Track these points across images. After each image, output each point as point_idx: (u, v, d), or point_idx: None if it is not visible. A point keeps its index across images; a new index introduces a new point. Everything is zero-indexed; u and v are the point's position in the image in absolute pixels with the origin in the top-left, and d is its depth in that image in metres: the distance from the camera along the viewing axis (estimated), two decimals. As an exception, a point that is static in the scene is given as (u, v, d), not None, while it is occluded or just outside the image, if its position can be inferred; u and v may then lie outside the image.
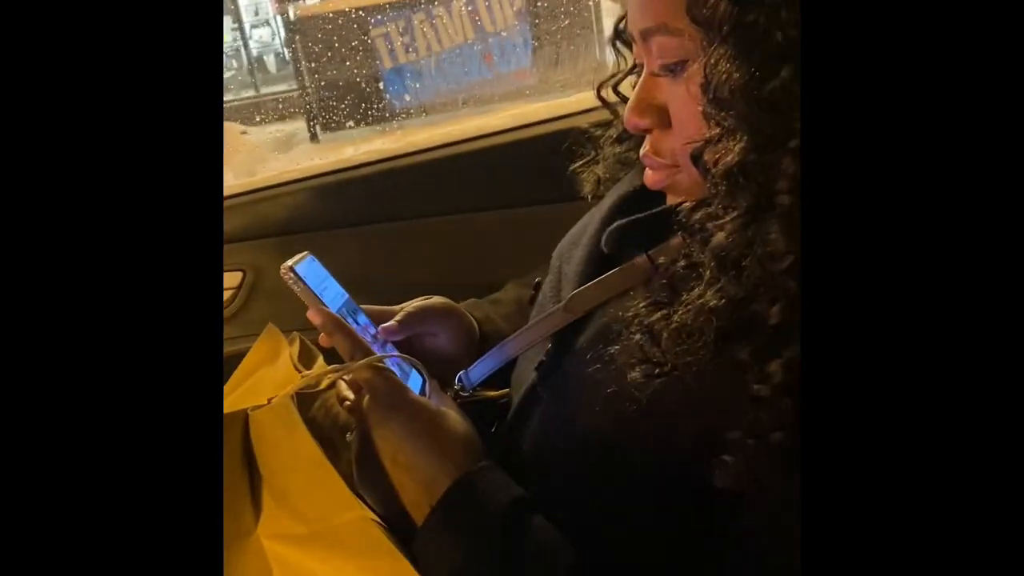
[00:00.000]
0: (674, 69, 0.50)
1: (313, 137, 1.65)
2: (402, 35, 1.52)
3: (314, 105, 1.60)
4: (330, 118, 1.53)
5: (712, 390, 0.46)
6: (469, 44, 1.50)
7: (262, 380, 0.64)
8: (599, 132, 0.73)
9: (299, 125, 1.70)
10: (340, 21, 1.50)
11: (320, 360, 0.67)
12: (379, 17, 1.55)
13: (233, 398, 0.63)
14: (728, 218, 0.43)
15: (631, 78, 0.69)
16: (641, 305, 0.50)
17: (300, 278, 0.60)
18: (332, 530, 0.52)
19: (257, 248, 1.15)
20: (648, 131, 0.55)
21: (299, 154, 1.58)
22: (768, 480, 0.42)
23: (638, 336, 0.49)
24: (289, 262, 0.61)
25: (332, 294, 0.63)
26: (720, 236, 0.44)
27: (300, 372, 0.63)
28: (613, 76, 0.69)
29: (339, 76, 1.51)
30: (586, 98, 1.10)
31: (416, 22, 1.50)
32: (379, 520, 0.53)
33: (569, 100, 1.12)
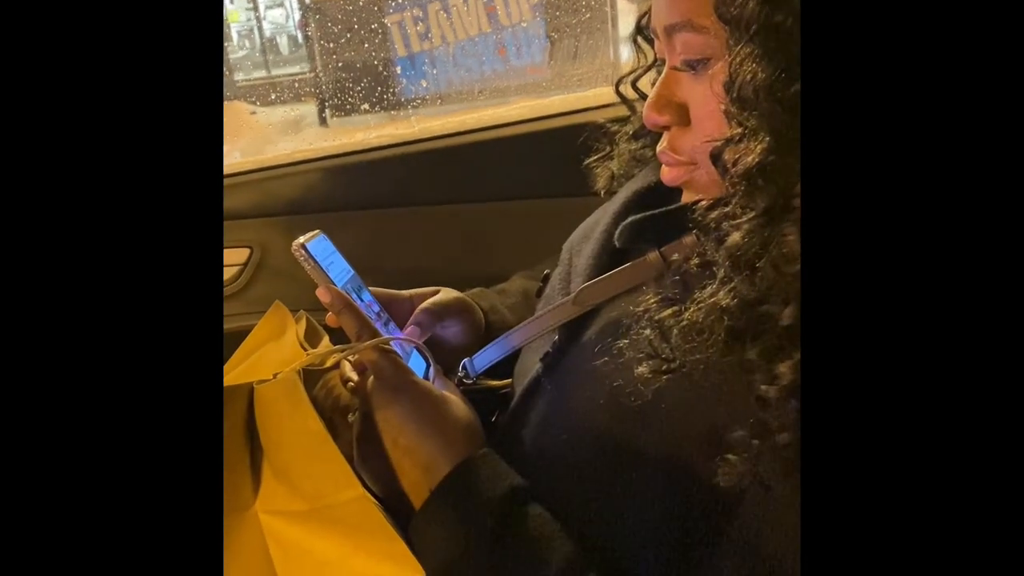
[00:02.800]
0: (696, 67, 0.50)
1: (323, 121, 1.65)
2: (417, 23, 1.52)
3: (325, 89, 1.60)
4: (341, 103, 1.53)
5: (719, 389, 0.46)
6: (484, 36, 1.50)
7: (267, 356, 0.64)
8: (615, 127, 0.73)
9: (309, 108, 1.70)
10: (360, 3, 1.49)
11: (326, 340, 0.67)
12: (396, 3, 1.55)
13: (237, 372, 0.63)
14: (745, 218, 0.43)
15: (649, 75, 0.69)
16: (652, 301, 0.50)
17: (311, 255, 0.60)
18: (331, 508, 0.52)
19: (265, 225, 1.15)
20: (666, 128, 0.55)
21: (308, 137, 1.57)
22: (772, 480, 0.42)
23: (648, 331, 0.49)
24: (301, 239, 0.61)
25: (338, 270, 0.63)
26: (736, 236, 0.44)
27: (306, 350, 0.63)
28: (632, 72, 0.69)
29: (352, 61, 1.51)
30: (600, 93, 1.11)
31: (432, 11, 1.50)
32: (377, 501, 0.54)
33: (584, 94, 1.12)
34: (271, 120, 1.66)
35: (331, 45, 1.49)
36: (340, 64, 1.52)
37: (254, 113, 1.67)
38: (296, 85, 1.75)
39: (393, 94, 1.48)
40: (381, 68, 1.49)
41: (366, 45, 1.46)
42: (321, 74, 1.63)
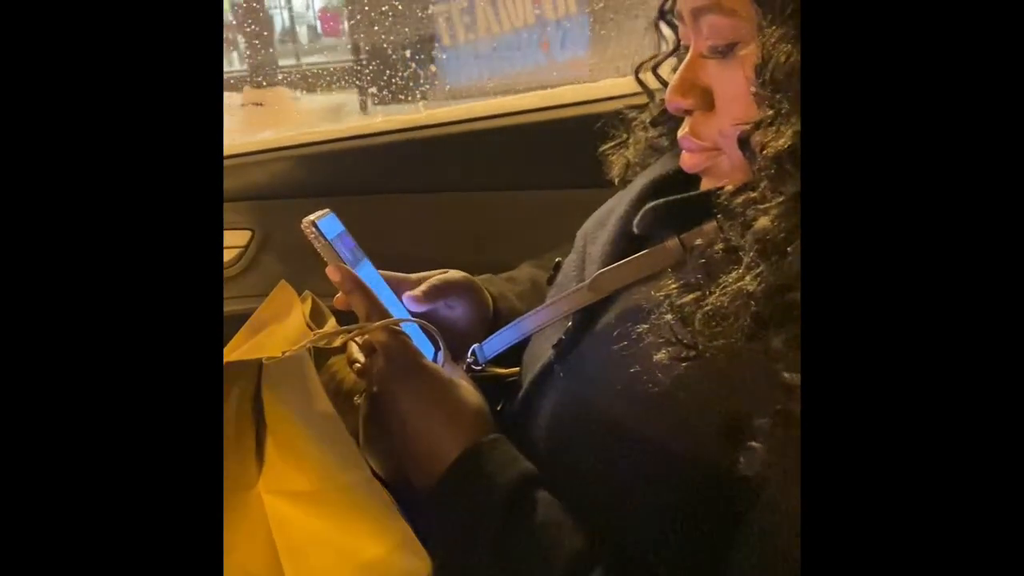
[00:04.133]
0: (723, 51, 0.50)
1: (363, 109, 1.67)
2: (462, 15, 1.52)
3: (367, 78, 1.62)
4: (382, 91, 1.54)
5: (740, 376, 0.45)
6: (528, 29, 1.51)
7: (273, 335, 0.63)
8: (633, 114, 0.72)
9: (350, 97, 1.72)
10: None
11: (332, 320, 0.66)
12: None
13: (242, 351, 0.62)
14: (774, 203, 0.43)
15: (670, 61, 0.68)
16: (673, 286, 0.49)
17: (321, 233, 0.59)
18: (337, 490, 0.51)
19: (267, 208, 1.14)
20: (689, 112, 0.54)
21: (349, 124, 1.59)
22: (794, 469, 0.41)
23: (668, 317, 0.48)
24: (311, 216, 0.60)
25: (345, 247, 0.62)
26: (764, 221, 0.43)
27: (313, 330, 0.62)
28: (653, 58, 0.68)
29: (394, 51, 1.51)
30: (614, 84, 1.10)
31: (478, 3, 1.51)
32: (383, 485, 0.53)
33: (597, 85, 1.11)
34: (312, 107, 1.68)
35: (369, 36, 1.49)
36: (378, 56, 1.52)
37: (297, 99, 1.69)
38: (334, 77, 1.78)
39: (432, 86, 1.48)
40: (418, 61, 1.49)
41: (405, 39, 1.46)
42: (363, 64, 1.64)
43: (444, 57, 1.52)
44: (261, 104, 1.70)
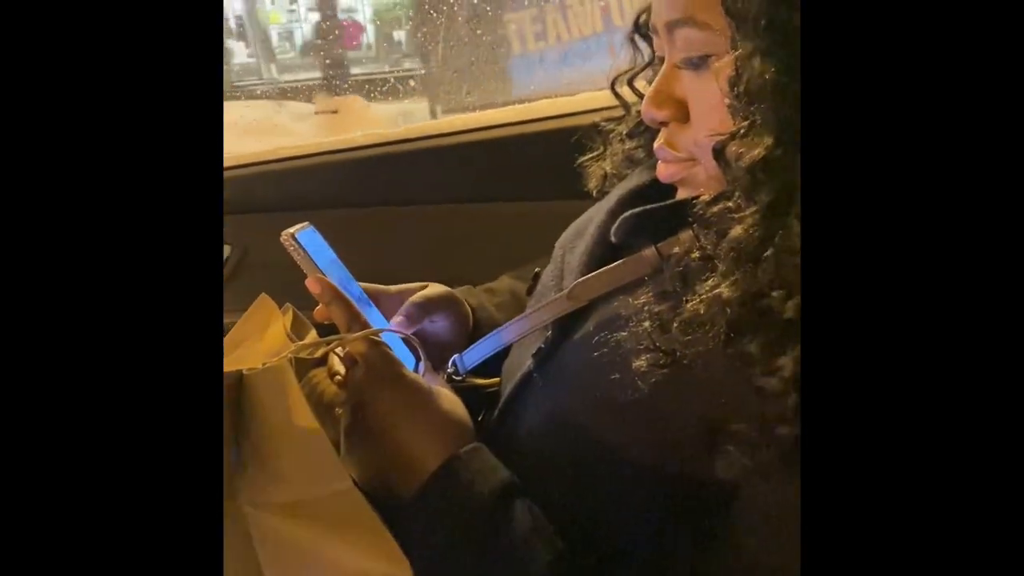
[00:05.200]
0: (697, 63, 0.51)
1: (433, 115, 1.69)
2: (533, 23, 1.54)
3: (438, 86, 1.64)
4: (452, 100, 1.55)
5: (717, 382, 0.46)
6: (597, 35, 1.53)
7: (253, 347, 0.63)
8: (610, 126, 0.73)
9: (420, 104, 1.75)
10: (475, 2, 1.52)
11: (313, 332, 0.66)
12: (513, 4, 1.58)
13: (224, 363, 0.62)
14: (748, 212, 0.43)
15: (645, 73, 0.69)
16: (650, 294, 0.49)
17: (301, 246, 0.60)
18: (318, 501, 0.50)
19: (246, 223, 1.13)
20: (665, 124, 0.55)
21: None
22: (770, 474, 0.42)
23: (646, 324, 0.48)
24: (291, 229, 0.60)
25: (326, 262, 0.62)
26: (738, 229, 0.44)
27: (294, 342, 0.62)
28: (629, 70, 0.69)
29: (465, 59, 1.52)
30: (591, 97, 1.11)
31: (548, 12, 1.54)
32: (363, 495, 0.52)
33: (574, 99, 1.12)
34: (382, 115, 1.71)
35: (440, 46, 1.50)
36: (449, 64, 1.54)
37: (368, 106, 1.72)
38: (409, 85, 1.81)
39: (502, 94, 1.48)
40: (490, 69, 1.50)
41: (477, 47, 1.46)
42: (434, 72, 1.66)
43: (508, 69, 1.54)
44: (336, 112, 1.72)
